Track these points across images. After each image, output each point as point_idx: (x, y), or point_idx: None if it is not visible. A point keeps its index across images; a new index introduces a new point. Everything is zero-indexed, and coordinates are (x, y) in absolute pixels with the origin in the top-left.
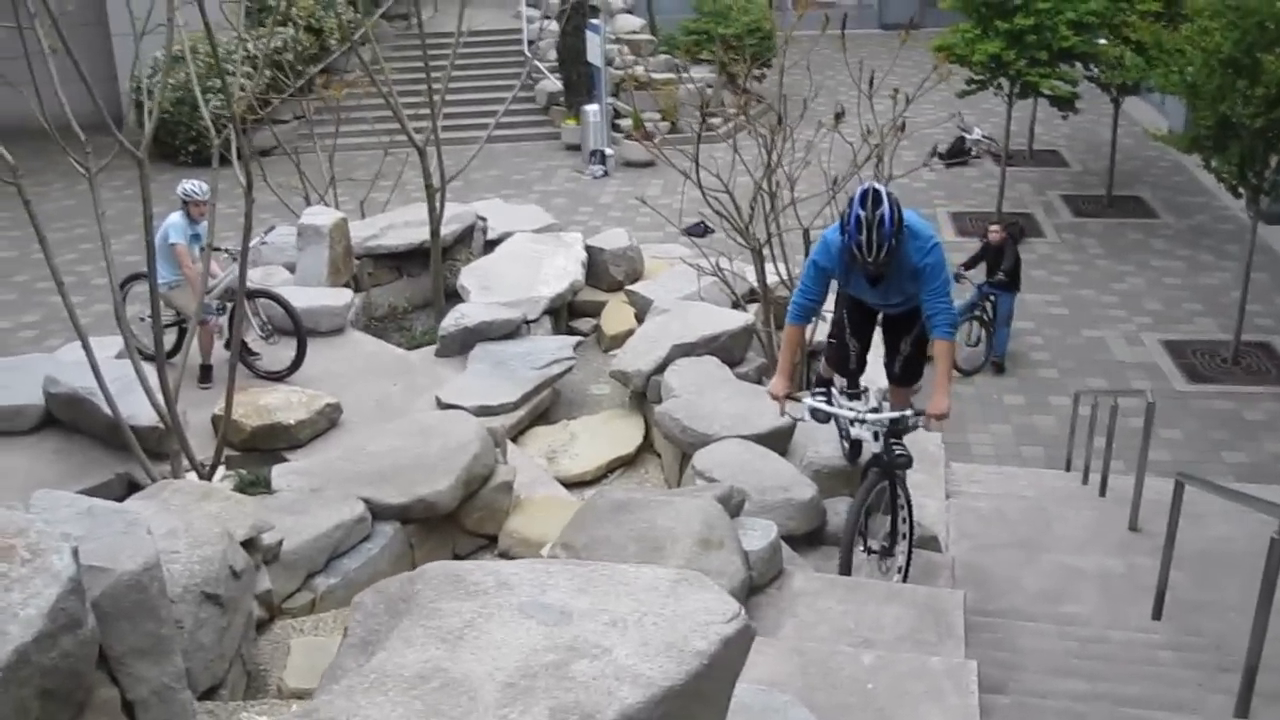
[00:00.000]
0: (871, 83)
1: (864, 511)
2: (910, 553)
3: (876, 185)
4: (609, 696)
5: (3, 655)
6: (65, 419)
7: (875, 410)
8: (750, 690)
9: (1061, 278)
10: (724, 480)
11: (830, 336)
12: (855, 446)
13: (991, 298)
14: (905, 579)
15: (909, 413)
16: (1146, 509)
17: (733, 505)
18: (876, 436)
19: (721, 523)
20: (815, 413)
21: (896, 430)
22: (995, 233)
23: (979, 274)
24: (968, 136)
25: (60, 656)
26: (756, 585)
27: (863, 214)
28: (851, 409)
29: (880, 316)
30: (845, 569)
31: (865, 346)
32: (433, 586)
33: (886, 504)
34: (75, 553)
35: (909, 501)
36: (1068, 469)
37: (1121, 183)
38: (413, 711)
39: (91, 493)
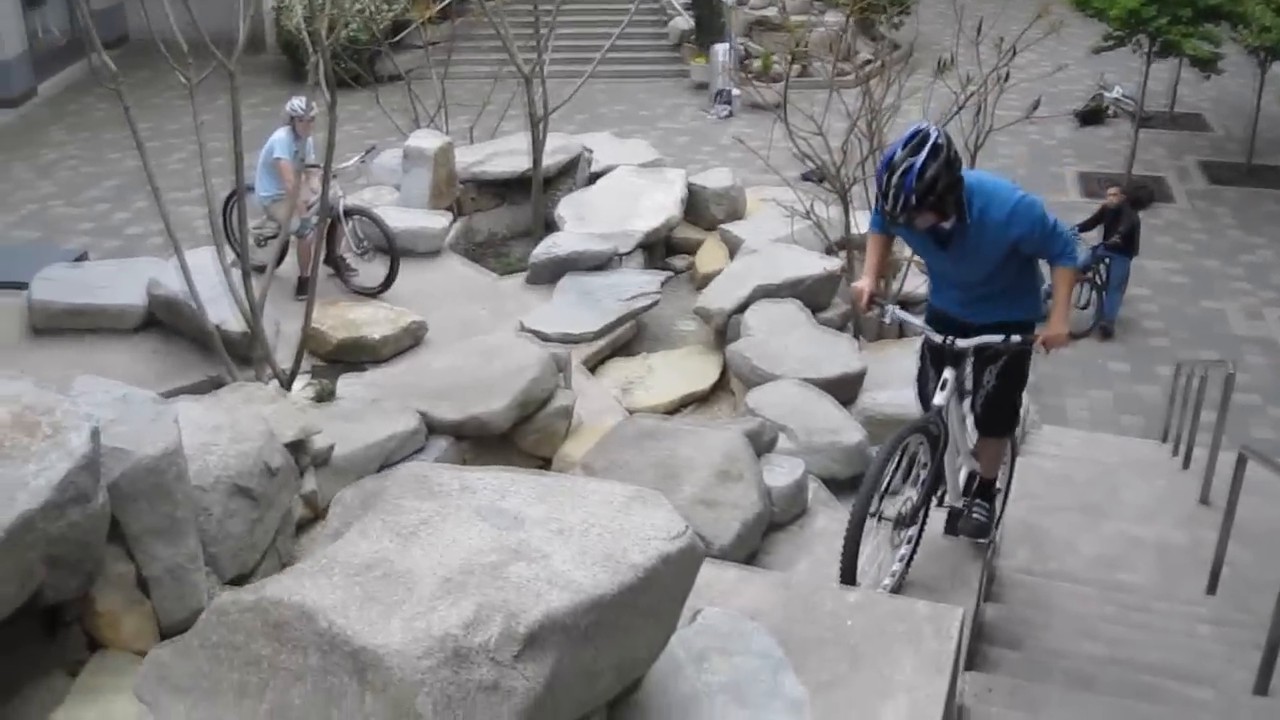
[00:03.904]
0: (979, 30)
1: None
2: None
3: (929, 127)
4: (537, 598)
5: (8, 519)
6: (166, 321)
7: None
8: (720, 614)
9: (1187, 245)
10: (776, 419)
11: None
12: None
13: (1106, 261)
14: (905, 569)
15: (1016, 338)
16: (1222, 484)
17: (763, 441)
18: (961, 395)
19: (744, 456)
20: (898, 323)
21: (992, 417)
22: (1113, 195)
23: (1096, 237)
24: (1106, 95)
25: (68, 526)
26: (778, 521)
27: (897, 155)
28: (935, 332)
29: (960, 342)
30: (848, 567)
31: (939, 379)
32: (400, 485)
33: (921, 476)
34: (95, 433)
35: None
36: (1164, 440)
37: (1265, 151)
38: (350, 595)
39: (183, 392)
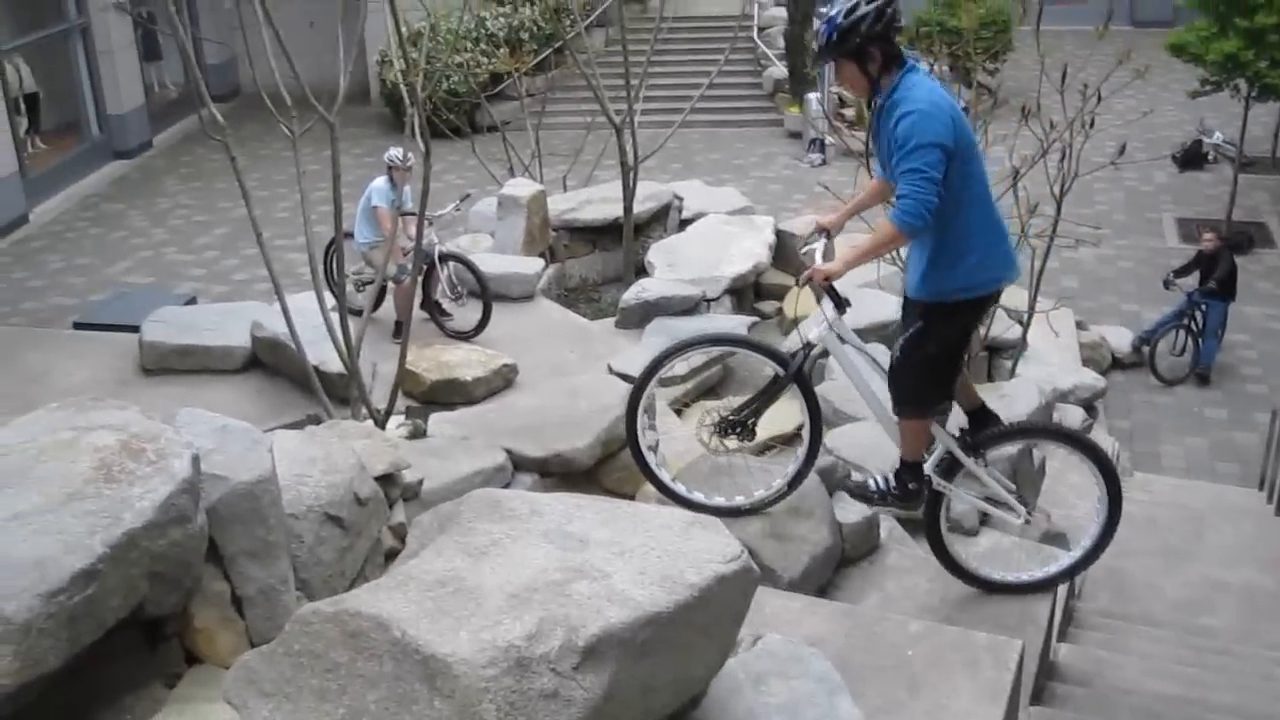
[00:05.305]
0: (1064, 77)
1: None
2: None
3: None
4: (596, 614)
5: (115, 536)
6: (268, 361)
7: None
8: (779, 640)
9: None
10: (853, 459)
11: None
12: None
13: (1202, 307)
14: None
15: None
16: None
17: (835, 480)
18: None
19: (815, 493)
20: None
21: (892, 390)
22: (1209, 240)
23: (1193, 283)
24: (1205, 140)
25: (169, 545)
26: (849, 557)
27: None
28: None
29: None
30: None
31: None
32: (473, 509)
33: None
34: (195, 460)
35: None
36: (1261, 487)
37: None
38: (423, 609)
39: (283, 428)
